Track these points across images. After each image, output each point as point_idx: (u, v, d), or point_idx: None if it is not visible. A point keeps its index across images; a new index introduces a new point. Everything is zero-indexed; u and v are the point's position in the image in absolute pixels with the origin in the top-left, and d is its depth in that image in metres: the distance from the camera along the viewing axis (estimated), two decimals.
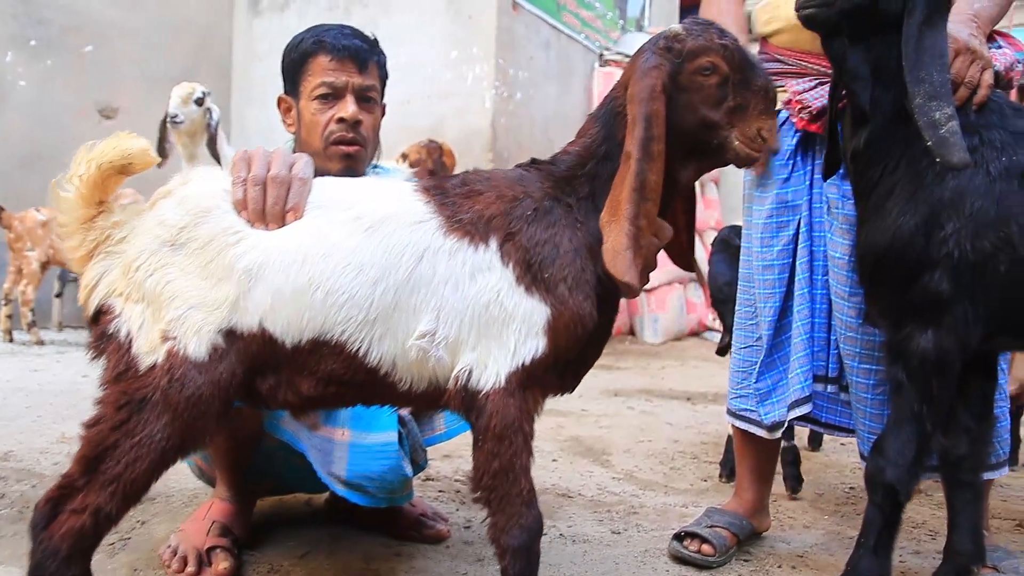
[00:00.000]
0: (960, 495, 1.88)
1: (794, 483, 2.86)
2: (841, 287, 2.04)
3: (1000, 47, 1.91)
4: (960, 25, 1.77)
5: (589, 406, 4.35)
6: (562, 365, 1.46)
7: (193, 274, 1.38)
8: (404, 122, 6.88)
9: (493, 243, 1.42)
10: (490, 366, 1.39)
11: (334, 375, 1.42)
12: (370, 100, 2.03)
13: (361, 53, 2.01)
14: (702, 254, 7.98)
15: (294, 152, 2.12)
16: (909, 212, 1.68)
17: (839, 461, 3.42)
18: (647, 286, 1.85)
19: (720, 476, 3.06)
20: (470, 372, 1.40)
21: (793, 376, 2.13)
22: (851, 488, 3.02)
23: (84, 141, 1.44)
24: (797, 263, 2.14)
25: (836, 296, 2.06)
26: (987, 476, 1.99)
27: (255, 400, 1.46)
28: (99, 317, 1.43)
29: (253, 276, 1.38)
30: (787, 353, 2.16)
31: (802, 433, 3.32)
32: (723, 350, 3.20)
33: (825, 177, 1.97)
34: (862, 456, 2.07)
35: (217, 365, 1.37)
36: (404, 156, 6.04)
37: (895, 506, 1.74)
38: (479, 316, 1.40)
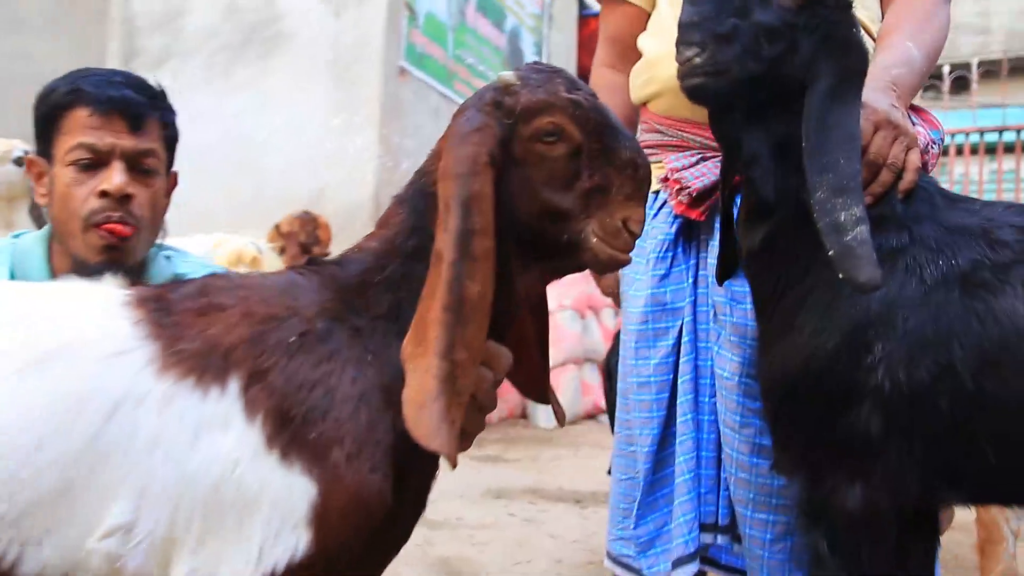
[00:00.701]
0: None
1: None
2: (731, 415, 1.60)
3: (914, 124, 1.57)
4: (878, 93, 1.41)
5: (466, 513, 3.86)
6: (343, 566, 0.99)
7: None
8: (282, 191, 6.40)
9: (232, 386, 0.93)
10: None
11: None
12: (147, 170, 1.57)
13: (134, 107, 1.54)
14: (597, 333, 7.66)
15: (50, 233, 1.64)
16: (827, 331, 1.29)
17: None
18: None
19: None
20: None
21: (676, 525, 1.66)
22: None
23: None
24: (679, 380, 1.68)
25: (724, 425, 1.62)
26: None
27: None
28: None
29: None
30: (671, 492, 1.69)
31: None
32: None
33: (720, 280, 1.56)
34: None
35: None
36: (277, 228, 5.59)
37: None
38: (206, 500, 0.90)
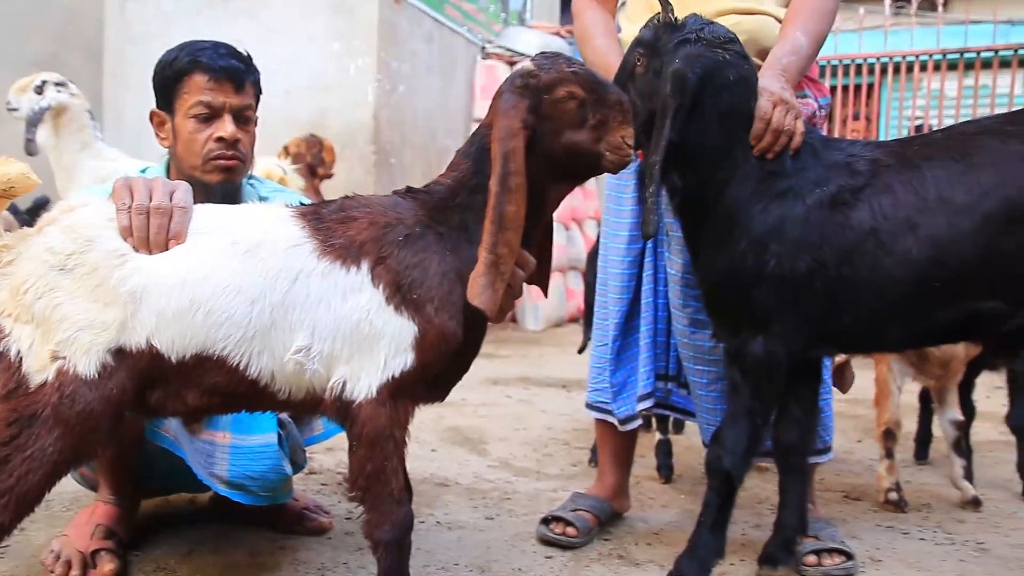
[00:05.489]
0: (790, 477, 2.14)
1: (666, 472, 3.13)
2: (676, 299, 2.28)
3: (805, 96, 2.20)
4: (772, 80, 1.98)
5: (469, 395, 4.49)
6: (431, 378, 1.60)
7: (82, 297, 1.46)
8: (286, 114, 6.71)
9: (364, 266, 1.54)
10: (362, 379, 1.53)
11: (218, 387, 1.53)
12: (247, 119, 2.11)
13: (238, 74, 2.08)
14: (580, 243, 8.25)
15: (168, 165, 2.19)
16: (736, 240, 1.91)
17: (699, 444, 3.67)
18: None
19: (589, 461, 3.26)
20: (344, 384, 1.53)
21: (640, 374, 2.38)
22: None
23: None
24: (644, 274, 2.38)
25: (672, 307, 2.30)
26: (813, 460, 2.28)
27: (146, 411, 1.55)
28: None
29: (138, 299, 1.47)
30: (635, 353, 2.41)
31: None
32: (583, 348, 3.63)
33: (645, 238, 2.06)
34: (704, 443, 2.31)
35: (107, 382, 1.46)
36: (286, 149, 6.02)
37: (730, 489, 1.97)
38: (351, 333, 1.52)
